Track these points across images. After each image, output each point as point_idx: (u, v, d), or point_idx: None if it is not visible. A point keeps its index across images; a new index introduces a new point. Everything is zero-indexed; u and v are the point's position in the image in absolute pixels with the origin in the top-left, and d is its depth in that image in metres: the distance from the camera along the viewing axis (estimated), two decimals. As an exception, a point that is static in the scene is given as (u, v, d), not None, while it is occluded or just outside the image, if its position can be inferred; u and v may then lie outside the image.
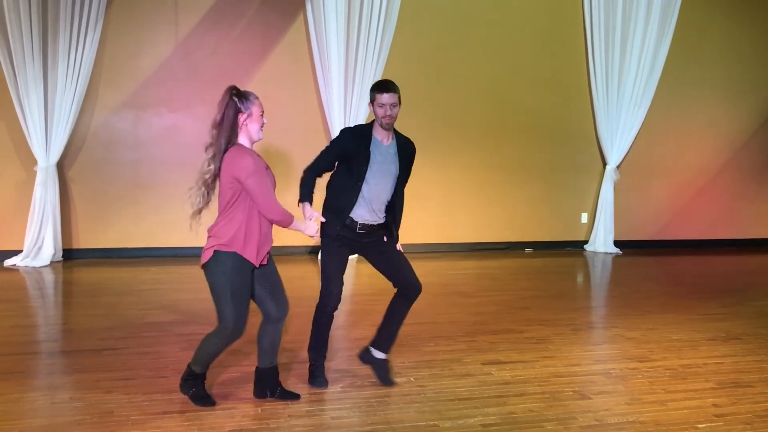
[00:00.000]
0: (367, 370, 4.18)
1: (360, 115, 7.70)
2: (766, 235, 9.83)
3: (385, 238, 3.95)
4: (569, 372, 4.28)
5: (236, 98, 3.46)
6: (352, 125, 4.03)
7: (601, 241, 8.92)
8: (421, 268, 7.73)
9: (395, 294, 3.96)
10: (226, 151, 3.46)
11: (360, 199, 3.79)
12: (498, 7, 8.35)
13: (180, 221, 7.55)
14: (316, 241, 3.84)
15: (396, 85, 3.80)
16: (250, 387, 3.79)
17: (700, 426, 3.54)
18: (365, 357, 4.09)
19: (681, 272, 8.09)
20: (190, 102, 7.44)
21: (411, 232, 8.36)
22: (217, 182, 3.51)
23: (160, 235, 7.52)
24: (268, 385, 3.71)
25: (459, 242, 8.57)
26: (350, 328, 5.28)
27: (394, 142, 3.86)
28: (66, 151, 7.24)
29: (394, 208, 3.92)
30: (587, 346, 4.90)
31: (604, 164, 8.94)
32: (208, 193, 3.51)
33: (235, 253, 3.43)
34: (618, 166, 8.91)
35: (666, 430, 3.47)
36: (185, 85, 7.44)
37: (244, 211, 3.44)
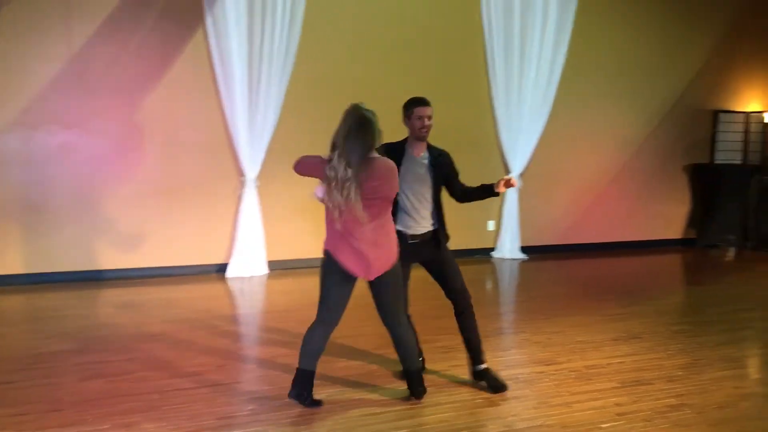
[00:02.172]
0: (278, 391, 4.10)
1: (267, 129, 7.58)
2: (661, 236, 10.33)
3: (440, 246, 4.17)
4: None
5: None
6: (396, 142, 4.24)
7: (508, 248, 9.14)
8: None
9: (454, 311, 4.25)
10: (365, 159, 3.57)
11: (401, 211, 4.08)
12: (401, 21, 8.42)
13: (76, 243, 7.25)
14: None
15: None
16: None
17: (603, 426, 3.65)
18: (475, 376, 4.27)
19: (584, 275, 8.38)
20: (86, 117, 7.12)
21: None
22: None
23: (56, 259, 7.14)
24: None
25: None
26: (257, 346, 5.16)
27: (427, 153, 4.15)
28: (-51, 172, 6.77)
29: (441, 213, 4.20)
30: (496, 352, 4.98)
31: (508, 172, 9.18)
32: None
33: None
34: (521, 174, 9.17)
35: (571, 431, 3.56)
36: (80, 100, 7.12)
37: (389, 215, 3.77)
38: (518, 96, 8.96)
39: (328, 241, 3.78)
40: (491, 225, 9.28)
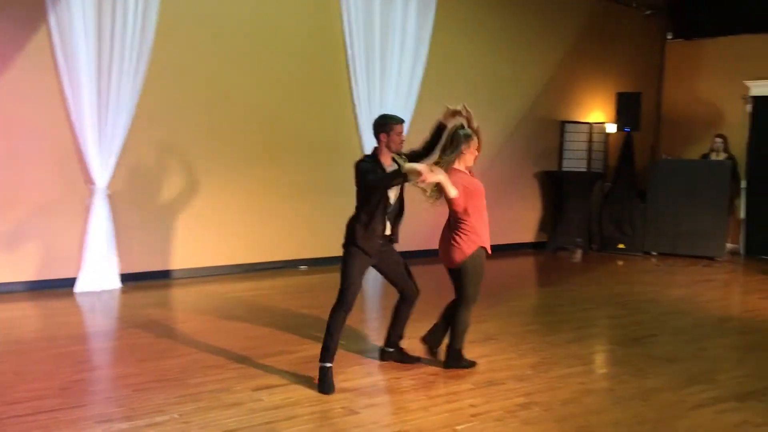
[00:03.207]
0: (128, 413, 3.88)
1: (118, 133, 7.18)
2: (515, 240, 10.81)
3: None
4: (339, 388, 4.31)
5: None
6: (366, 154, 4.82)
7: (372, 254, 9.26)
8: (196, 294, 7.41)
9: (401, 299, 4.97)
10: None
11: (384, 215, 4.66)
12: (261, 28, 8.25)
13: None
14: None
15: None
16: None
17: (458, 427, 3.74)
18: (385, 356, 4.94)
19: (443, 279, 8.56)
20: None
21: (187, 255, 8.00)
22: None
23: None
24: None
25: (235, 264, 8.36)
26: (106, 366, 4.87)
27: (394, 163, 4.65)
28: None
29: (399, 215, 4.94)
30: (358, 359, 4.99)
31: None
32: None
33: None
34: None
35: (428, 435, 3.62)
36: None
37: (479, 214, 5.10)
38: (380, 104, 9.11)
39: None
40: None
